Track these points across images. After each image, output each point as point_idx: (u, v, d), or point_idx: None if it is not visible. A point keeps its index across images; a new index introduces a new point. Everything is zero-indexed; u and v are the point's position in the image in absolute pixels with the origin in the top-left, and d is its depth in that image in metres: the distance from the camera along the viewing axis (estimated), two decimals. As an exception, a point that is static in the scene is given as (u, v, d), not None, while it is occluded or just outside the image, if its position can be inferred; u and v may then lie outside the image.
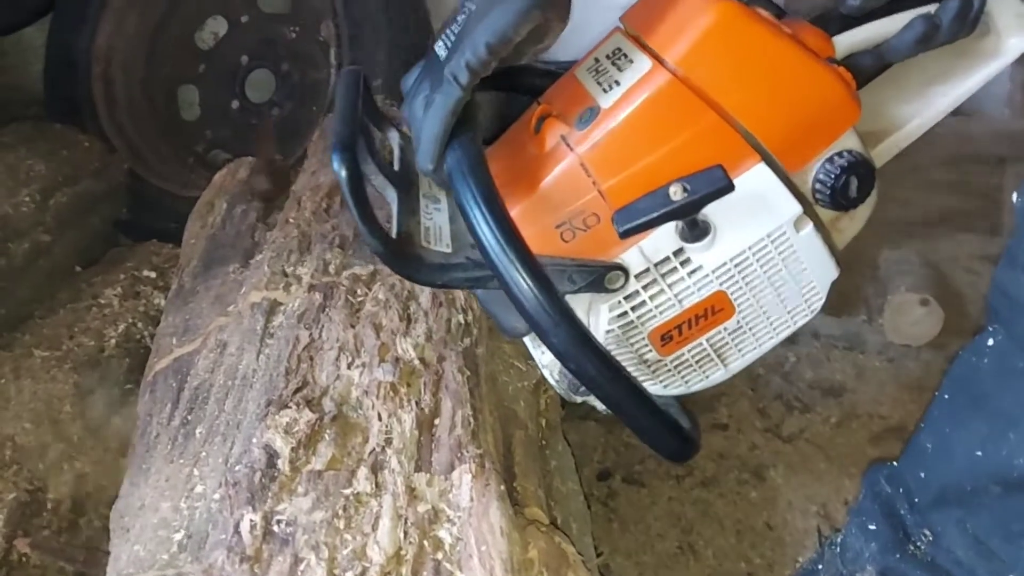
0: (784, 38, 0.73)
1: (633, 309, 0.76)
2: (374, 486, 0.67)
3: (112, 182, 1.64)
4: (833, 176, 0.76)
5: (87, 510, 1.02)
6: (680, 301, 0.76)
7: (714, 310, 0.77)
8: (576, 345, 0.64)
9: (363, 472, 0.68)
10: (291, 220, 1.10)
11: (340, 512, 0.64)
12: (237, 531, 0.63)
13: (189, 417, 0.88)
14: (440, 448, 0.74)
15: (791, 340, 1.36)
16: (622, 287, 0.75)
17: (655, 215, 0.71)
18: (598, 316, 0.77)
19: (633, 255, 0.75)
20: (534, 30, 0.64)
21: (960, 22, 0.75)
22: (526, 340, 0.84)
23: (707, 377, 0.82)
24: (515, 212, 0.70)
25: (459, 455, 0.73)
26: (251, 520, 0.63)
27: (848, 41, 0.78)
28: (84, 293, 1.35)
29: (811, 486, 1.27)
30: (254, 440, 0.73)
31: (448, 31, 0.69)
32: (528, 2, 0.63)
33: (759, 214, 0.75)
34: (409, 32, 1.75)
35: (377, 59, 1.71)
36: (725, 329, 0.79)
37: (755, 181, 0.73)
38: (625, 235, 0.72)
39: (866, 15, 0.77)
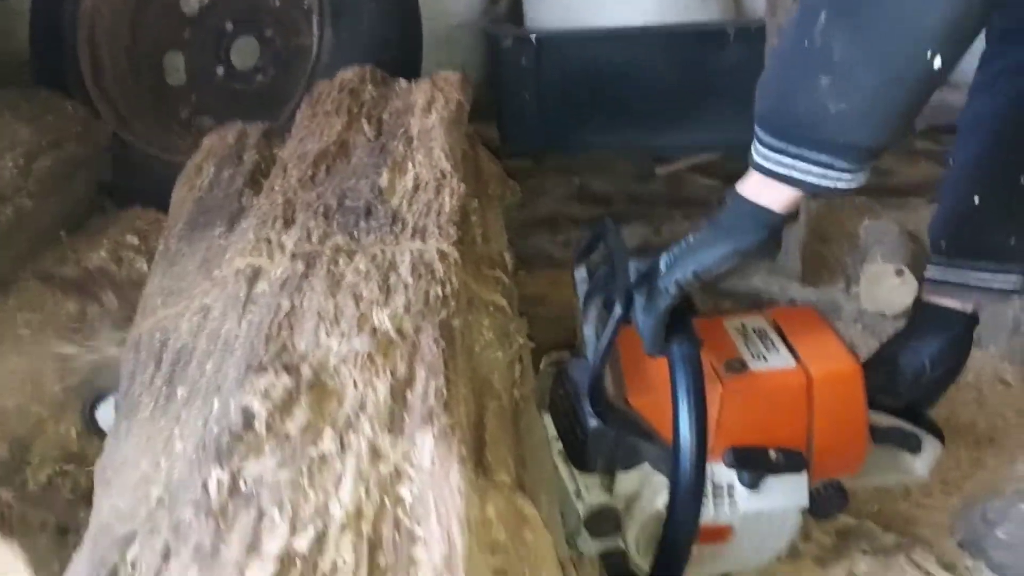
0: (866, 404, 1.06)
1: None
2: (339, 447, 0.70)
3: (96, 147, 1.65)
4: (830, 497, 1.08)
5: (70, 470, 1.05)
6: (712, 515, 1.00)
7: (718, 534, 1.03)
8: (694, 518, 0.95)
9: (329, 434, 0.71)
10: (277, 187, 1.12)
11: (305, 471, 0.67)
12: (205, 488, 0.66)
13: (171, 378, 0.90)
14: (412, 415, 0.77)
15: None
16: None
17: (756, 464, 1.01)
18: (657, 495, 1.01)
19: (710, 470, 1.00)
20: (734, 267, 0.91)
21: (911, 443, 1.16)
22: (566, 475, 1.06)
23: None
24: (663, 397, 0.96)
25: (429, 423, 0.75)
26: (218, 478, 0.65)
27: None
28: (68, 258, 1.36)
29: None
30: (232, 402, 0.76)
31: (670, 254, 0.94)
32: (730, 250, 0.89)
33: (789, 493, 1.03)
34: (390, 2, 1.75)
35: (359, 29, 1.72)
36: (711, 549, 1.04)
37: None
38: (731, 466, 1.00)
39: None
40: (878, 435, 1.12)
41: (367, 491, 0.67)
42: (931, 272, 1.20)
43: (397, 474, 0.70)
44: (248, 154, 1.27)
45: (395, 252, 0.99)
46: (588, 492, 1.04)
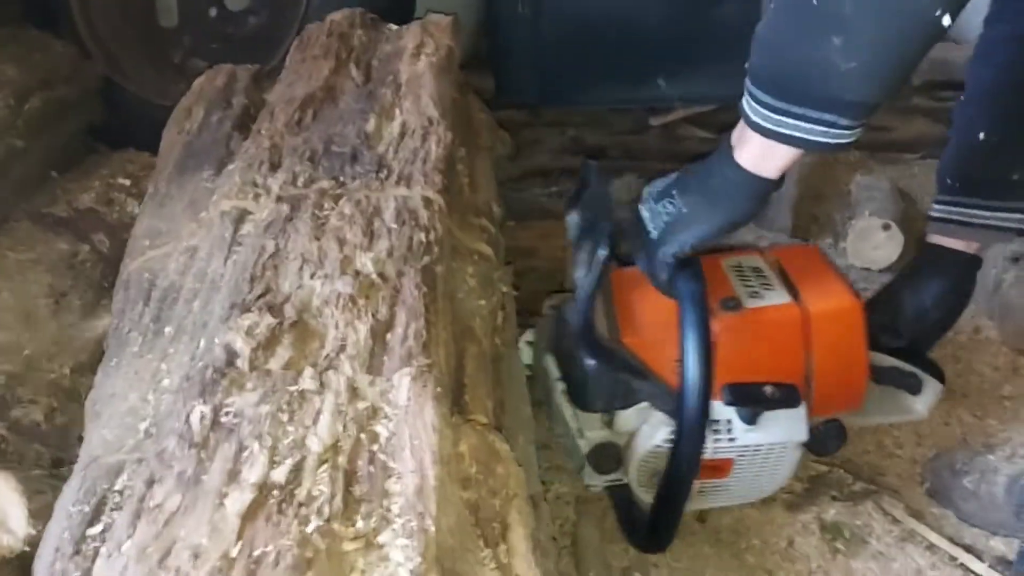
0: (866, 343, 1.07)
1: None
2: (319, 385, 0.72)
3: (86, 88, 1.65)
4: (828, 434, 1.10)
5: (63, 405, 1.07)
6: (711, 452, 1.03)
7: (719, 468, 1.06)
8: (696, 452, 0.98)
9: (309, 372, 0.73)
10: (263, 131, 1.13)
11: (284, 406, 0.69)
12: (188, 421, 0.68)
13: (159, 316, 0.93)
14: (391, 356, 0.80)
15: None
16: None
17: (752, 400, 1.03)
18: (656, 431, 1.05)
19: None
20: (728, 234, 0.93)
21: (911, 383, 1.18)
22: (568, 414, 1.08)
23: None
24: (663, 335, 1.00)
25: (408, 363, 0.78)
26: (201, 411, 0.68)
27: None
28: (59, 199, 1.37)
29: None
30: (216, 340, 0.78)
31: (656, 210, 0.95)
32: (726, 222, 0.91)
33: (787, 427, 1.05)
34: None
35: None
36: (714, 483, 1.08)
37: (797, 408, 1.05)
38: (729, 404, 1.02)
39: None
40: (878, 375, 1.13)
41: (344, 426, 0.70)
42: (936, 211, 1.20)
43: (374, 411, 0.73)
44: (237, 98, 1.27)
45: (380, 198, 1.00)
46: (590, 430, 1.07)
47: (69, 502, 0.74)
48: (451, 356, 0.90)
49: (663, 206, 0.95)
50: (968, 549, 1.17)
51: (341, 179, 1.03)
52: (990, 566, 1.14)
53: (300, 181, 1.01)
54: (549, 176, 2.11)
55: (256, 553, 0.58)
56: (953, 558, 1.15)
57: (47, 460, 0.99)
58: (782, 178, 0.90)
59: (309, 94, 1.18)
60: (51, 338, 1.13)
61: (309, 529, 0.61)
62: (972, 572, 1.14)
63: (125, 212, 1.36)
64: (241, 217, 0.98)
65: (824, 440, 1.10)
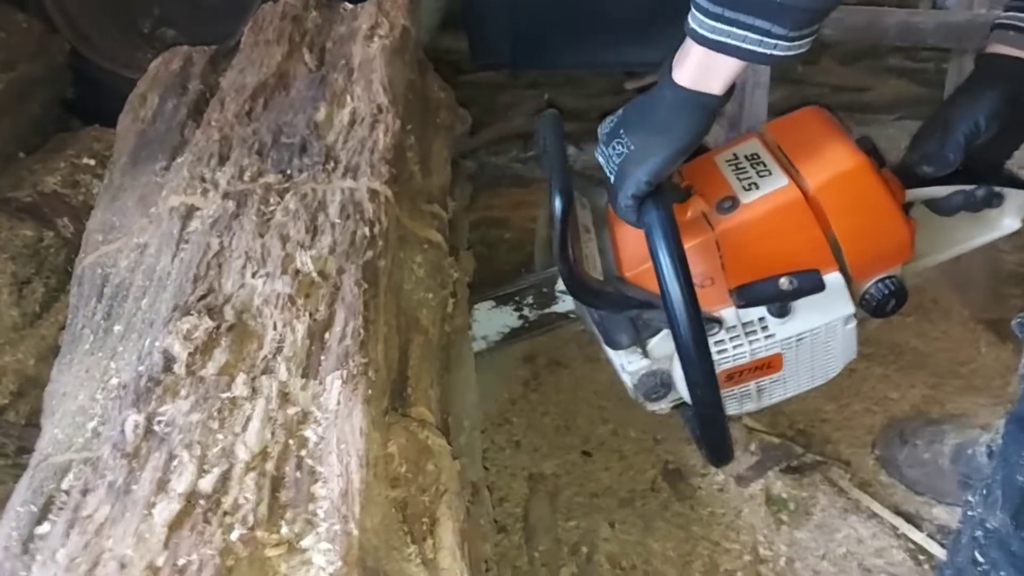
0: (886, 193, 1.00)
1: (717, 351, 1.01)
2: (251, 391, 0.75)
3: (53, 64, 1.64)
4: (881, 295, 1.04)
5: (27, 393, 1.11)
6: (751, 354, 1.03)
7: (769, 365, 1.05)
8: (705, 372, 0.94)
9: (242, 378, 0.76)
10: (213, 122, 1.13)
11: (215, 414, 0.72)
12: (123, 430, 0.71)
13: (110, 313, 0.95)
14: (329, 356, 0.82)
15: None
16: (715, 334, 1.01)
17: (766, 297, 1.00)
18: None
19: (729, 313, 1.01)
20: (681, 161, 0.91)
21: (987, 200, 1.07)
22: (611, 352, 1.06)
23: (741, 407, 1.09)
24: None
25: (344, 363, 0.80)
26: (135, 420, 0.71)
27: (916, 195, 1.06)
28: (25, 181, 1.38)
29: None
30: (156, 344, 0.81)
31: (608, 153, 0.93)
32: (674, 151, 0.88)
33: (825, 307, 1.02)
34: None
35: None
36: (770, 379, 1.06)
37: (831, 284, 1.01)
38: (744, 307, 1.00)
39: (932, 180, 1.05)
40: (940, 206, 1.08)
41: (273, 433, 0.73)
42: (1001, 18, 1.07)
43: (304, 416, 0.76)
44: (193, 83, 1.27)
45: (326, 191, 1.01)
46: (630, 364, 1.05)
47: (18, 502, 0.77)
48: (393, 349, 0.93)
49: (613, 148, 0.93)
50: (910, 518, 1.21)
51: (288, 172, 1.04)
52: (929, 535, 1.18)
53: (247, 175, 1.03)
54: (525, 140, 2.11)
55: (180, 562, 0.62)
56: (895, 527, 1.20)
57: (11, 449, 1.03)
58: (727, 96, 0.88)
59: (261, 82, 1.18)
60: (13, 326, 1.15)
61: (233, 537, 0.64)
62: (911, 541, 1.18)
63: (90, 195, 1.37)
64: (189, 213, 1.00)
65: (880, 302, 1.04)
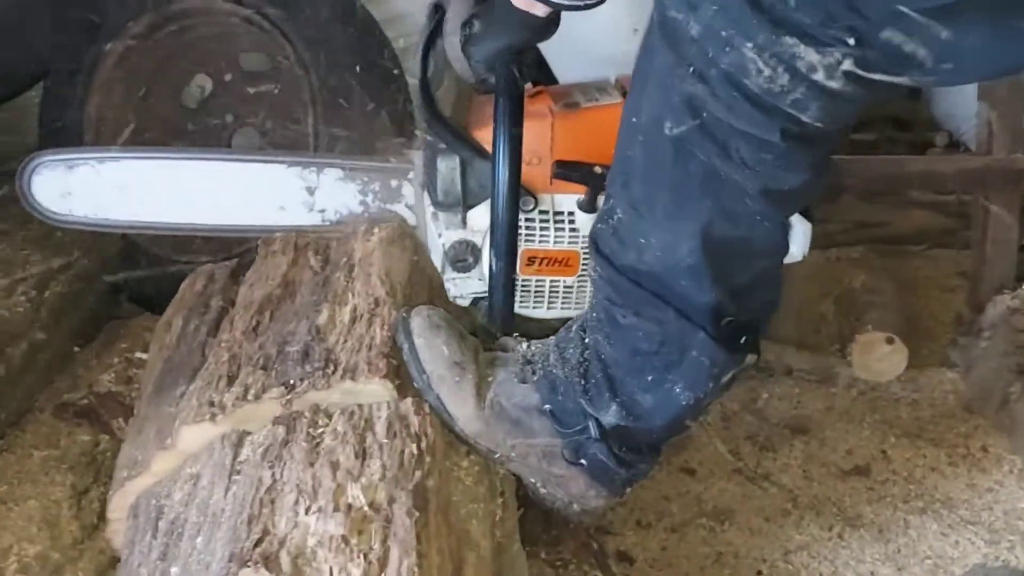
0: None
1: (526, 229, 1.22)
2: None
3: (105, 253, 1.71)
4: None
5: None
6: (554, 240, 1.22)
7: (567, 263, 1.23)
8: (509, 238, 1.17)
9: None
10: (223, 343, 1.17)
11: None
12: None
13: (165, 553, 0.96)
14: (385, 603, 0.83)
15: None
16: (529, 211, 1.22)
17: (580, 175, 1.19)
18: None
19: (546, 197, 1.22)
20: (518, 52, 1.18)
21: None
22: (430, 218, 1.28)
23: (531, 308, 1.27)
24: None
25: (401, 608, 0.80)
26: None
27: None
28: (81, 380, 1.43)
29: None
30: (214, 606, 0.82)
31: (465, 32, 1.20)
32: (505, 44, 1.16)
33: None
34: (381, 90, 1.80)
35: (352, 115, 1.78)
36: (563, 282, 1.25)
37: None
38: (557, 177, 1.20)
39: None
40: None
41: None
42: None
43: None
44: (215, 300, 1.31)
45: (372, 409, 1.04)
46: (447, 229, 1.24)
47: None
48: (447, 574, 0.93)
49: (469, 26, 1.18)
50: None
51: (291, 383, 1.06)
52: None
53: (251, 394, 1.05)
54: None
55: None
56: None
57: None
58: (552, 22, 1.12)
59: (267, 295, 1.23)
60: (72, 542, 1.17)
61: None
62: None
63: (142, 392, 1.41)
64: (240, 441, 1.02)
65: None
